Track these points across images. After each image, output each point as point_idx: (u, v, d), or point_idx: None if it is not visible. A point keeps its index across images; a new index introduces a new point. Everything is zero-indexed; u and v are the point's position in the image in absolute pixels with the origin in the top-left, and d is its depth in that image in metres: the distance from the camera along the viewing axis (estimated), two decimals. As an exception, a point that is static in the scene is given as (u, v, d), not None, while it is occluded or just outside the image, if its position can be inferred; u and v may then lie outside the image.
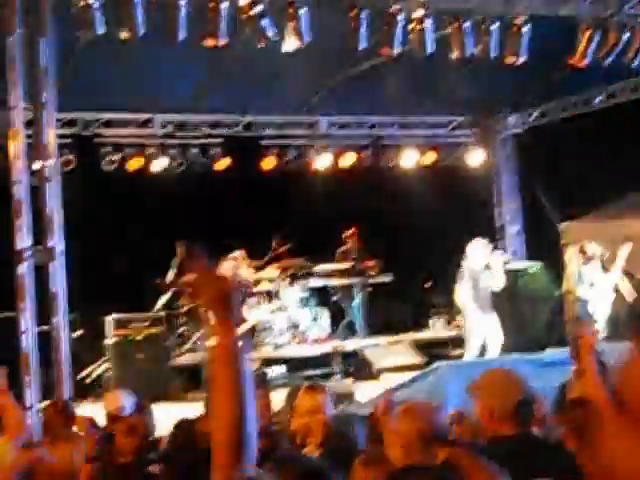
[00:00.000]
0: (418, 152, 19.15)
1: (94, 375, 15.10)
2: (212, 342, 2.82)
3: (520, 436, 4.70)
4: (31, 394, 10.38)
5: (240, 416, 2.56)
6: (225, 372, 2.71)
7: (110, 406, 8.11)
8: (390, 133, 18.93)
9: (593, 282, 15.52)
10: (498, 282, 14.87)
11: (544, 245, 19.13)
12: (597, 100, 17.83)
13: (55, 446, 5.50)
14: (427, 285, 19.43)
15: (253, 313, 14.92)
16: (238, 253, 15.81)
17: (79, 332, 15.82)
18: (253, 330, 15.19)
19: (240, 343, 2.75)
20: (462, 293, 14.77)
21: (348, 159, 18.58)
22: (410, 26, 11.59)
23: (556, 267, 18.57)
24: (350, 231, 17.68)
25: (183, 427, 7.05)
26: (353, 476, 4.76)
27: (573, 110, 18.26)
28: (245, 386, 2.63)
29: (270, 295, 16.66)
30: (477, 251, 14.87)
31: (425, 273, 19.28)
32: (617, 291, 16.17)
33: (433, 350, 16.74)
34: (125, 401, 8.08)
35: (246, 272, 15.95)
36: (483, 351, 14.61)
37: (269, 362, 15.44)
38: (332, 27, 11.53)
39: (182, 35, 10.74)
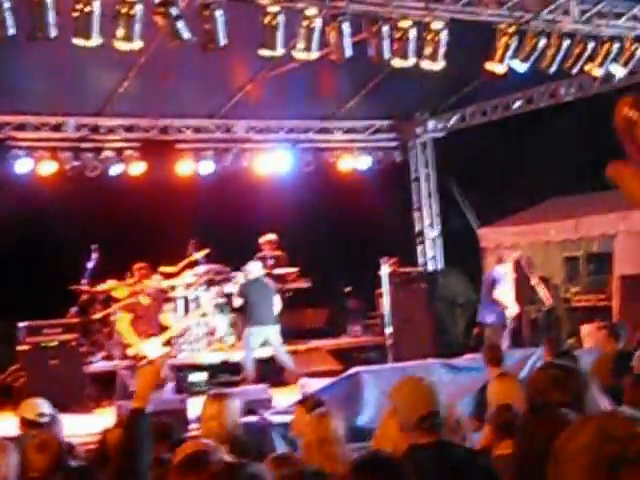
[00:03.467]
0: (334, 157, 19.24)
1: (6, 382, 14.98)
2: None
3: (435, 444, 4.76)
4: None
5: None
6: None
7: (29, 412, 8.04)
8: (309, 137, 18.95)
9: (509, 287, 15.73)
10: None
11: (463, 250, 19.36)
12: (516, 105, 18.06)
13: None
14: (346, 290, 19.53)
15: (178, 320, 14.94)
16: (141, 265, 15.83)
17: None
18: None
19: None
20: None
21: (264, 164, 18.59)
22: (327, 29, 11.63)
23: (475, 272, 18.81)
24: (266, 238, 17.70)
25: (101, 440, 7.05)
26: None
27: (492, 115, 18.47)
28: None
29: (187, 301, 16.70)
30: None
31: (343, 279, 19.37)
32: (535, 296, 16.42)
33: (351, 355, 16.85)
34: (46, 410, 8.04)
35: (156, 280, 15.96)
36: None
37: (188, 368, 15.43)
38: (249, 30, 11.52)
39: (96, 39, 10.65)
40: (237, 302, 15.65)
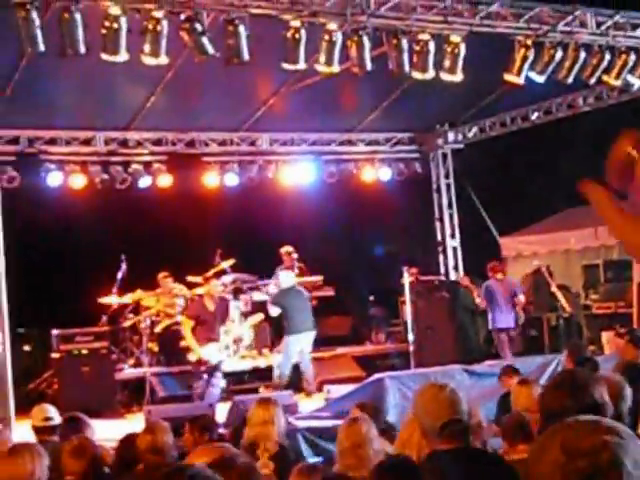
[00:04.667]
0: (357, 168, 19.23)
1: (40, 388, 15.11)
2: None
3: (458, 450, 4.73)
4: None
5: None
6: None
7: (36, 419, 8.11)
8: (332, 149, 18.95)
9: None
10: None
11: (484, 258, 19.29)
12: (534, 116, 17.99)
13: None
14: (370, 298, 19.53)
15: (234, 327, 15.08)
16: (165, 273, 16.04)
17: (27, 347, 15.85)
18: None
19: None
20: None
21: (288, 176, 18.60)
22: (348, 43, 11.64)
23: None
24: (285, 249, 17.67)
25: (127, 444, 7.09)
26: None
27: (511, 126, 18.41)
28: None
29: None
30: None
31: (367, 288, 19.37)
32: (555, 303, 16.41)
33: (375, 362, 16.84)
34: (52, 413, 8.10)
35: (180, 289, 16.16)
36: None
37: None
38: (271, 44, 11.55)
39: (123, 54, 10.71)
40: (274, 311, 15.56)
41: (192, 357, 13.44)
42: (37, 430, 8.08)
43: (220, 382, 13.56)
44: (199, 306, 13.81)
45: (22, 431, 10.35)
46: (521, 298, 15.99)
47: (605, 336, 16.09)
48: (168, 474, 3.17)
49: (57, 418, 8.12)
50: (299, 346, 14.98)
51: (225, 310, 14.24)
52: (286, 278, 15.55)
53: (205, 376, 13.39)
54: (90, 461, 6.38)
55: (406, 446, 5.57)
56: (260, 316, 15.59)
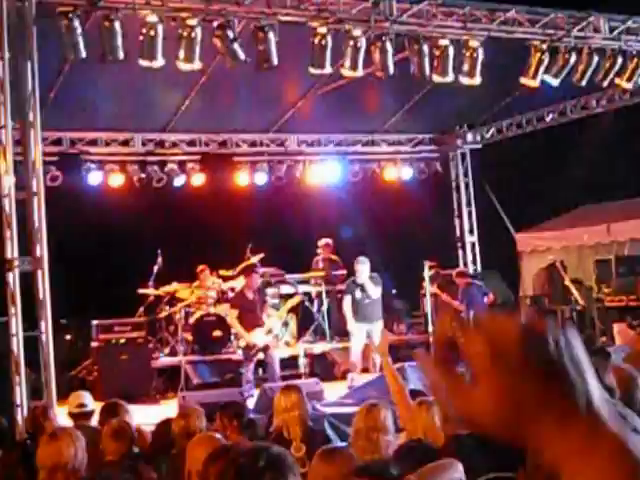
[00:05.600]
0: (380, 167, 19.24)
1: (81, 376, 15.21)
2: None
3: (476, 434, 4.72)
4: (20, 393, 10.36)
5: None
6: None
7: (71, 406, 8.18)
8: (357, 150, 18.97)
9: None
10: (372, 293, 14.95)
11: (500, 253, 19.28)
12: (549, 118, 17.94)
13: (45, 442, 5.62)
14: (393, 292, 19.52)
15: (274, 313, 15.12)
16: (202, 267, 16.11)
17: (68, 336, 15.96)
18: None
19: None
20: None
21: (315, 175, 18.63)
22: (372, 49, 11.67)
23: (512, 274, 18.75)
24: (324, 241, 17.75)
25: (163, 428, 7.15)
26: (312, 468, 4.77)
27: (527, 127, 18.37)
28: None
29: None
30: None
31: (390, 281, 19.34)
32: (570, 297, 16.37)
33: (395, 352, 16.80)
34: (86, 400, 8.17)
35: (212, 282, 16.25)
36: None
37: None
38: (299, 50, 11.60)
39: (160, 60, 10.79)
40: (378, 291, 15.16)
41: (242, 343, 13.62)
42: (72, 416, 8.15)
43: (277, 359, 13.69)
44: (240, 296, 13.97)
45: (63, 416, 10.42)
46: (491, 297, 16.19)
47: (616, 328, 16.03)
48: (252, 452, 3.15)
49: (91, 405, 8.18)
50: (364, 333, 14.96)
51: (263, 299, 14.39)
52: (367, 267, 15.26)
53: (254, 359, 13.56)
54: (128, 442, 6.43)
55: (413, 433, 5.58)
56: (299, 298, 15.58)
